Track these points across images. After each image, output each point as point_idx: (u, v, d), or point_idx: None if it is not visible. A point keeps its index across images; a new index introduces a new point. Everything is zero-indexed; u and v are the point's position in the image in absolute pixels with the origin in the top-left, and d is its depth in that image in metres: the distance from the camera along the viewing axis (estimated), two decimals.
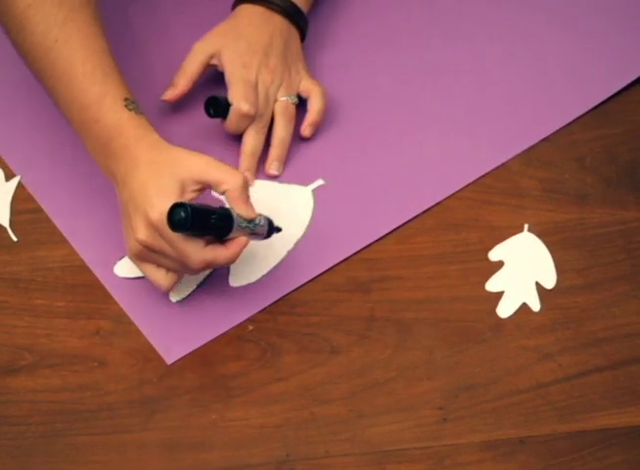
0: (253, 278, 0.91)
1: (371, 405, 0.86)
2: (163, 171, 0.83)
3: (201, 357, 0.88)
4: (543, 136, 1.00)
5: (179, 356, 0.87)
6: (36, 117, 1.00)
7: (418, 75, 1.04)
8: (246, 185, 0.84)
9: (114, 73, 0.88)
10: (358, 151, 0.99)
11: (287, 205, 0.95)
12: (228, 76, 0.96)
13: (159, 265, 0.85)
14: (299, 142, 0.99)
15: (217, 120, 0.97)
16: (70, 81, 0.87)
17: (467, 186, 0.97)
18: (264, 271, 0.91)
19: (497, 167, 0.98)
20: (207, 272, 0.91)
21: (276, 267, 0.92)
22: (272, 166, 0.96)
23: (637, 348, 0.89)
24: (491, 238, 0.94)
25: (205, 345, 0.88)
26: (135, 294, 0.90)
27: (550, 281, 0.92)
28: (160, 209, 0.81)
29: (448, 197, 0.96)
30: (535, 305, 0.91)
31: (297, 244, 0.93)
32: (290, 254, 0.92)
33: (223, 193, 0.84)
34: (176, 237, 0.81)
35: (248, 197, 0.85)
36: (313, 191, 0.96)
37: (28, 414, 0.85)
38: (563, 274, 0.92)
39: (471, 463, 0.83)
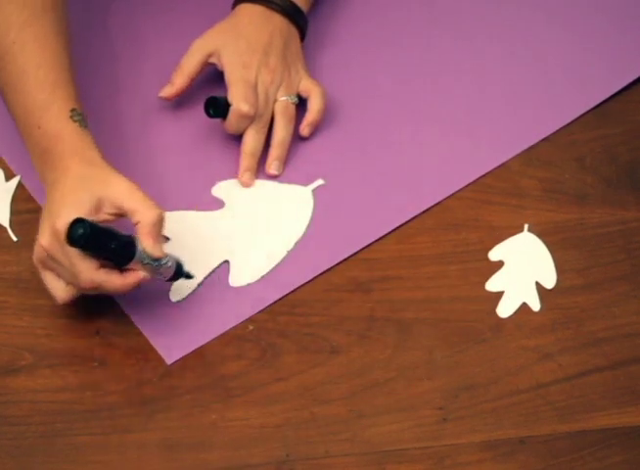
0: (253, 278, 0.91)
1: (371, 405, 0.86)
2: (85, 186, 0.83)
3: (201, 357, 0.88)
4: (543, 136, 1.00)
5: (179, 356, 0.87)
6: None
7: (418, 75, 1.04)
8: (160, 222, 0.83)
9: (65, 83, 0.88)
10: (358, 151, 0.99)
11: (287, 205, 0.95)
12: (228, 76, 0.96)
13: (58, 276, 0.85)
14: (299, 142, 0.99)
15: (217, 121, 0.97)
16: (20, 85, 0.88)
17: (467, 186, 0.97)
18: (264, 271, 0.91)
19: (497, 167, 0.98)
20: (207, 272, 0.91)
21: (276, 267, 0.92)
22: (272, 166, 0.96)
23: (637, 348, 0.89)
24: (491, 238, 0.94)
25: (205, 345, 0.88)
26: (135, 294, 0.90)
27: (550, 281, 0.92)
28: (65, 219, 0.81)
29: (448, 197, 0.96)
30: (535, 305, 0.91)
31: (297, 244, 0.93)
32: (290, 254, 0.92)
33: (136, 224, 0.83)
34: (71, 251, 0.81)
35: (159, 234, 0.84)
36: (313, 191, 0.96)
37: (28, 414, 0.85)
38: (563, 274, 0.92)
39: (471, 463, 0.83)
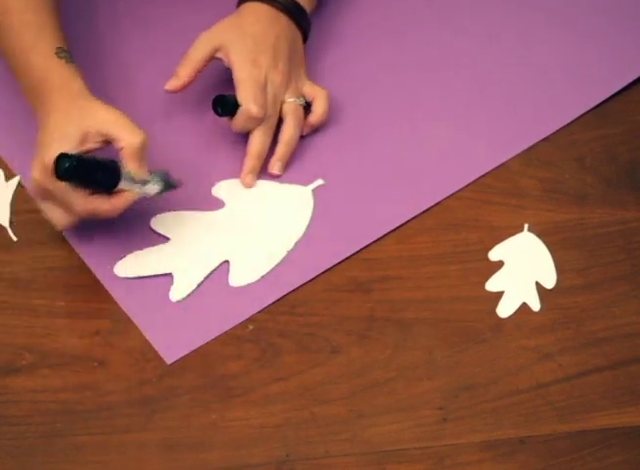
0: (253, 278, 0.91)
1: (371, 405, 0.86)
2: (73, 119, 0.87)
3: (201, 357, 0.88)
4: (543, 136, 1.00)
5: (179, 356, 0.87)
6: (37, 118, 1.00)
7: (417, 76, 1.04)
8: (144, 146, 0.87)
9: (50, 24, 0.92)
10: (358, 151, 0.99)
11: (287, 205, 0.95)
12: (236, 74, 0.95)
13: (55, 205, 0.88)
14: (299, 142, 0.99)
15: (219, 119, 0.97)
16: (8, 28, 0.92)
17: (467, 186, 0.97)
18: (264, 271, 0.91)
19: (497, 167, 0.98)
20: (207, 272, 0.91)
21: (276, 267, 0.92)
22: (275, 166, 0.96)
23: (637, 348, 0.89)
24: (491, 238, 0.94)
25: (205, 344, 0.88)
26: (135, 294, 0.90)
27: (550, 281, 0.92)
28: (53, 154, 0.85)
29: (448, 197, 0.96)
30: (535, 305, 0.91)
31: (297, 244, 0.93)
32: (290, 254, 0.92)
33: (120, 149, 0.86)
34: (61, 185, 0.85)
35: (142, 157, 0.87)
36: (313, 191, 0.96)
37: (28, 414, 0.85)
38: (563, 274, 0.92)
39: (471, 463, 0.83)
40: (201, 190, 0.96)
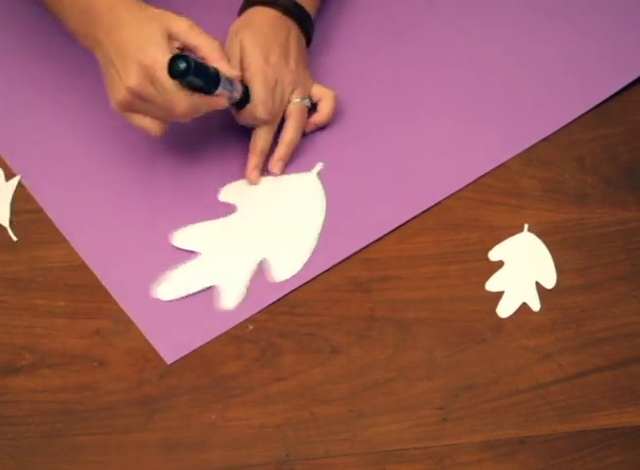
0: (297, 268, 0.91)
1: (371, 405, 0.86)
2: (150, 25, 0.87)
3: (201, 357, 0.88)
4: (543, 136, 1.00)
5: (179, 356, 0.87)
6: (37, 117, 1.00)
7: (418, 75, 1.04)
8: (222, 47, 0.90)
9: None
10: (358, 151, 0.99)
11: (298, 192, 0.96)
12: (248, 63, 0.94)
13: (145, 114, 0.89)
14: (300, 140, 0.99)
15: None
16: None
17: (467, 186, 0.97)
18: (305, 258, 0.91)
19: (497, 167, 0.98)
20: (251, 274, 0.91)
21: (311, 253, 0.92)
22: (276, 166, 0.96)
23: (637, 348, 0.89)
24: (491, 238, 0.94)
25: (204, 344, 0.88)
26: (135, 294, 0.90)
27: (550, 281, 0.92)
28: (153, 56, 0.86)
29: (448, 197, 0.96)
30: (535, 305, 0.91)
31: (324, 224, 0.93)
32: (321, 236, 0.93)
33: (203, 57, 0.88)
34: (169, 84, 0.86)
35: (227, 58, 0.90)
36: (318, 174, 0.96)
37: (28, 414, 0.85)
38: (563, 274, 0.92)
39: (471, 463, 0.83)
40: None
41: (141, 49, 0.86)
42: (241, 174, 0.97)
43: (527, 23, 1.08)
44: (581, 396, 0.86)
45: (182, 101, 0.87)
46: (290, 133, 0.97)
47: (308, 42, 1.01)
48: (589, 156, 0.99)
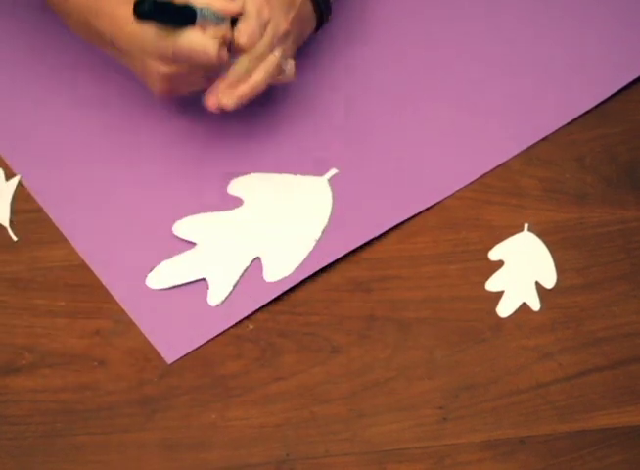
0: (289, 271, 0.91)
1: (371, 405, 0.86)
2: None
3: (201, 357, 0.88)
4: (543, 135, 1.00)
5: (179, 356, 0.87)
6: (37, 117, 1.00)
7: (419, 75, 1.04)
8: None
9: None
10: (357, 151, 0.99)
11: (305, 195, 0.95)
12: (245, 6, 0.90)
13: (190, 85, 0.90)
14: (299, 147, 0.98)
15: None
16: None
17: (467, 186, 0.97)
18: (298, 263, 0.91)
19: (497, 167, 0.98)
20: (241, 271, 0.90)
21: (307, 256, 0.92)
22: (227, 96, 0.90)
23: (637, 347, 0.89)
24: (491, 237, 0.94)
25: (204, 344, 0.88)
26: (135, 294, 0.90)
27: (550, 281, 0.92)
28: (167, 41, 0.85)
29: (448, 196, 0.96)
30: (535, 305, 0.91)
31: (323, 232, 0.93)
32: (319, 242, 0.92)
33: None
34: (184, 42, 0.85)
35: None
36: (329, 180, 0.96)
37: (28, 414, 0.85)
38: (563, 274, 0.92)
39: (471, 463, 0.83)
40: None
41: (163, 36, 0.85)
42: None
43: (527, 22, 1.08)
44: (581, 395, 0.86)
45: (209, 39, 0.85)
46: (259, 75, 0.90)
47: (320, 24, 0.98)
48: (589, 155, 0.99)
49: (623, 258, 0.93)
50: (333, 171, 0.96)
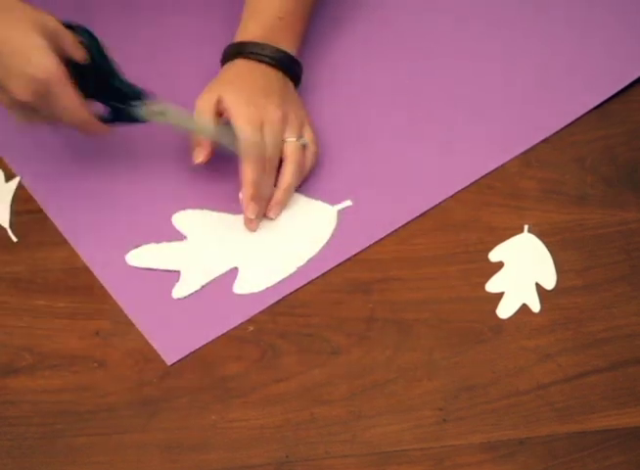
0: (257, 288, 0.91)
1: (371, 406, 0.86)
2: (22, 27, 0.82)
3: (201, 358, 0.88)
4: (543, 137, 1.00)
5: (179, 357, 0.87)
6: None
7: (417, 77, 1.04)
8: None
9: None
10: (357, 152, 0.99)
11: (310, 220, 0.94)
12: (232, 114, 0.91)
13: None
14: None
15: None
16: None
17: (467, 187, 0.97)
18: (269, 284, 0.91)
19: (497, 168, 0.98)
20: (214, 276, 0.91)
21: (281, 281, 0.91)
22: (272, 211, 0.93)
23: (637, 349, 0.89)
24: (491, 239, 0.94)
25: (205, 345, 0.88)
26: (135, 294, 0.90)
27: (550, 282, 0.92)
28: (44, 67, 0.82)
29: (448, 198, 0.96)
30: (535, 306, 0.91)
31: (309, 261, 0.92)
32: (299, 270, 0.92)
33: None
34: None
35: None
36: (339, 211, 0.95)
37: (28, 415, 0.85)
38: (563, 275, 0.92)
39: (471, 464, 0.83)
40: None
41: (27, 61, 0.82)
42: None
43: (528, 23, 1.08)
44: (581, 396, 0.86)
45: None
46: (287, 178, 0.93)
47: (298, 82, 0.98)
48: (589, 156, 0.99)
49: (623, 260, 0.93)
50: (347, 203, 0.95)
